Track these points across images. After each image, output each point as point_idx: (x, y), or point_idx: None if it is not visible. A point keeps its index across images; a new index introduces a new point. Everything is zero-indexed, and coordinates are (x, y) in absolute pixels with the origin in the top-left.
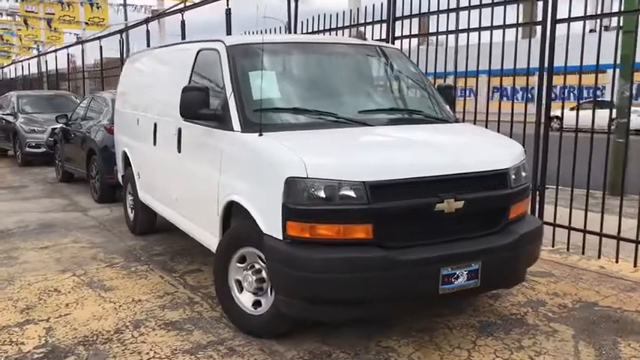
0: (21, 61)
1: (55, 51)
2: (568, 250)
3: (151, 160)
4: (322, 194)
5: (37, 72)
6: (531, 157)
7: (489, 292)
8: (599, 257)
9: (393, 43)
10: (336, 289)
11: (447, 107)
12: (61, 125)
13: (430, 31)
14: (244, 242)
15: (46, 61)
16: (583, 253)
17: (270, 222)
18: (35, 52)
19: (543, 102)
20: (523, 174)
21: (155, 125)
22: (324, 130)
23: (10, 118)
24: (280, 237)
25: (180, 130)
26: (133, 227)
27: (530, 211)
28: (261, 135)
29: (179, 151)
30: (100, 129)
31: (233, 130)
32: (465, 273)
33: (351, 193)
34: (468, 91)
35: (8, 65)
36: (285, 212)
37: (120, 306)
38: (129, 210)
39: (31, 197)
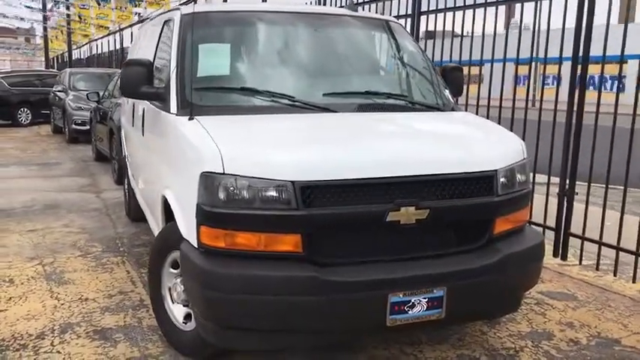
0: (95, 40)
1: (119, 30)
2: (597, 268)
3: (131, 142)
4: (242, 195)
5: (107, 51)
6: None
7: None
8: (633, 281)
9: (417, 39)
10: (251, 316)
11: (447, 92)
12: (94, 104)
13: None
14: (173, 245)
15: (114, 40)
16: (615, 275)
17: (188, 225)
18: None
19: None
20: (520, 177)
21: (133, 105)
22: (273, 115)
23: (62, 95)
24: (195, 244)
25: (144, 111)
26: (127, 213)
27: (556, 218)
28: (191, 119)
29: (142, 135)
30: (118, 107)
31: (170, 112)
32: (424, 301)
33: (276, 195)
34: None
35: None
36: (199, 215)
37: (62, 304)
38: (125, 194)
39: (57, 175)
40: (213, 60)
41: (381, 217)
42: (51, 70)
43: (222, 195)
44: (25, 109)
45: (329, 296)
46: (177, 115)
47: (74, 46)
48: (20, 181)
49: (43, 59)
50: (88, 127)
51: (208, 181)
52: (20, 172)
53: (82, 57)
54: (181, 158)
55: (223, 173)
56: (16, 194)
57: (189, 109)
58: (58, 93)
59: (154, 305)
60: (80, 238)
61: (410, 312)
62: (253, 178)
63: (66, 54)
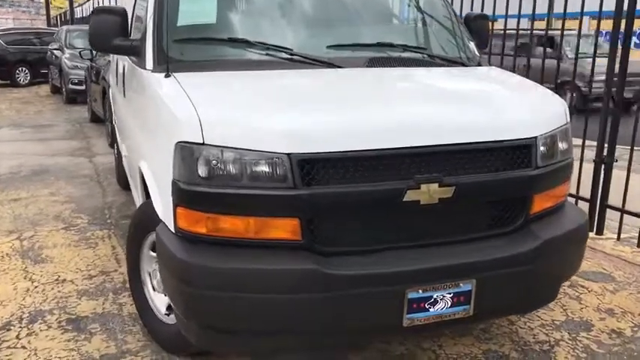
0: None
1: None
2: (639, 245)
3: (116, 103)
4: (227, 170)
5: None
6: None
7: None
8: None
9: None
10: (237, 317)
11: (472, 45)
12: (88, 62)
13: None
14: (151, 226)
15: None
16: None
17: (164, 205)
18: None
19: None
20: (562, 146)
21: (117, 62)
22: (266, 72)
23: (59, 53)
24: (172, 228)
25: (124, 69)
26: (118, 179)
27: (592, 188)
28: (167, 76)
29: (124, 95)
30: (109, 65)
31: (145, 68)
32: (449, 296)
33: (268, 171)
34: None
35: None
36: (176, 194)
37: (35, 287)
38: (116, 159)
39: (50, 138)
40: (197, 6)
41: (398, 196)
42: (50, 28)
43: (202, 170)
44: (24, 69)
45: (332, 293)
46: (152, 71)
47: (76, 4)
48: (10, 144)
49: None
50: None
51: (185, 152)
52: (12, 134)
53: (84, 15)
54: (155, 124)
55: (203, 143)
56: (5, 158)
57: (166, 64)
58: (54, 51)
59: (133, 292)
60: (66, 208)
61: (431, 310)
62: (240, 150)
63: (68, 12)
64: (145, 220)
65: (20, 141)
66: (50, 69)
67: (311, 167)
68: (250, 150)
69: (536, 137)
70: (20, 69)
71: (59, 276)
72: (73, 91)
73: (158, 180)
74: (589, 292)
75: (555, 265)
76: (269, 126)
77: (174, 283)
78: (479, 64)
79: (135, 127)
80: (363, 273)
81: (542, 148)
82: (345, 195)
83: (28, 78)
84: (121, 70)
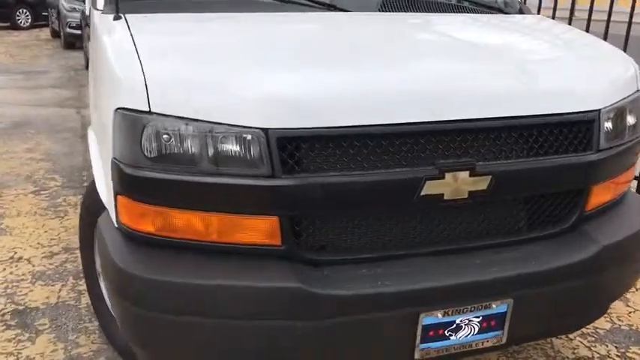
0: None
1: None
2: None
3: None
4: (182, 150)
5: None
6: None
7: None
8: None
9: None
10: (195, 349)
11: None
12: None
13: None
14: (100, 210)
15: None
16: None
17: (108, 190)
18: None
19: None
20: (630, 120)
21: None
22: (244, 15)
23: None
24: (115, 222)
25: (90, 10)
26: None
27: None
28: (117, 18)
29: (89, 41)
30: None
31: (97, 7)
32: (476, 321)
33: (238, 152)
34: None
35: None
36: (116, 178)
37: None
38: None
39: (39, 86)
40: None
41: (413, 189)
42: None
43: (148, 148)
44: (24, 11)
45: (322, 322)
46: (102, 12)
47: None
48: None
49: None
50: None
51: (125, 123)
52: (1, 81)
53: None
54: (100, 82)
55: (149, 112)
56: None
57: (115, 2)
58: None
59: (89, 286)
60: (40, 167)
61: (452, 337)
62: (199, 122)
63: None
64: (94, 202)
65: (8, 88)
66: (49, 11)
67: (295, 148)
68: (213, 123)
69: (599, 110)
70: (21, 11)
71: (16, 253)
72: (72, 35)
73: (102, 156)
74: (637, 290)
75: (616, 278)
76: (240, 91)
77: (113, 296)
78: (520, 11)
79: (90, 85)
80: (364, 293)
81: (606, 125)
82: (342, 187)
83: (29, 20)
84: (87, 12)
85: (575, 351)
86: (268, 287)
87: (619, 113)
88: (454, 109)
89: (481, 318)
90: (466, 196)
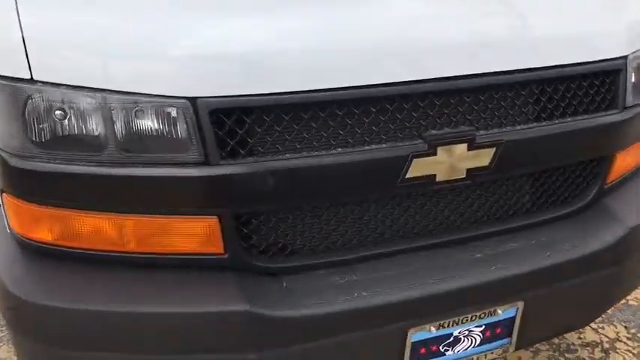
0: None
1: None
2: None
3: None
4: (82, 130)
5: None
6: None
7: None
8: None
9: None
10: None
11: None
12: None
13: None
14: None
15: None
16: None
17: None
18: None
19: None
20: None
21: None
22: None
23: None
24: (7, 228)
25: None
26: None
27: None
28: None
29: None
30: None
31: None
32: (478, 330)
33: (158, 131)
34: None
35: None
36: None
37: None
38: None
39: None
40: None
41: (396, 171)
42: None
43: (35, 129)
44: None
45: (281, 351)
46: None
47: None
48: None
49: None
50: None
51: (3, 96)
52: None
53: None
54: None
55: (31, 79)
56: None
57: None
58: None
59: None
60: None
61: (449, 353)
62: (104, 93)
63: None
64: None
65: None
66: None
67: (237, 124)
68: (122, 93)
69: (625, 58)
70: None
71: None
72: None
73: None
74: None
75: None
76: (155, 45)
77: (7, 323)
78: None
79: None
80: (336, 310)
81: (634, 76)
82: (302, 173)
83: None
84: None
85: (582, 335)
86: (204, 313)
87: None
88: (445, 64)
89: (484, 327)
90: (464, 175)
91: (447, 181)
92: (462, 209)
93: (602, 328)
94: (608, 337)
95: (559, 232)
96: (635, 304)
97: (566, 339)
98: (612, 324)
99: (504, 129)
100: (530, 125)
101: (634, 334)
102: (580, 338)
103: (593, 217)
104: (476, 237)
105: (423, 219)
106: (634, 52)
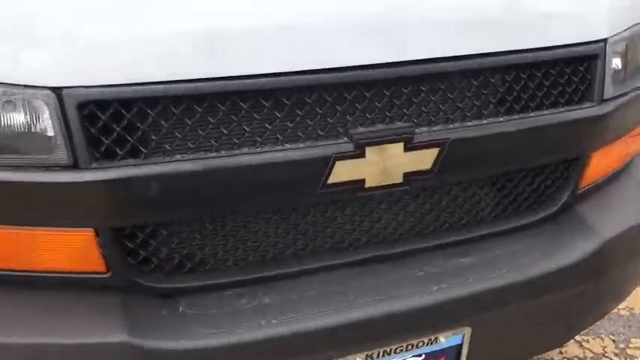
0: None
1: None
2: None
3: None
4: None
5: None
6: None
7: None
8: None
9: None
10: None
11: None
12: None
13: None
14: None
15: None
16: None
17: None
18: None
19: None
20: None
21: None
22: None
23: None
24: None
25: None
26: None
27: None
28: None
29: None
30: None
31: None
32: None
33: (17, 127)
34: None
35: None
36: None
37: None
38: None
39: None
40: None
41: (316, 175)
42: None
43: None
44: None
45: None
46: None
47: None
48: None
49: None
50: None
51: None
52: None
53: None
54: None
55: None
56: None
57: None
58: None
59: None
60: None
61: None
62: None
63: None
64: None
65: None
66: None
67: (113, 119)
68: None
69: (604, 41)
70: None
71: None
72: None
73: None
74: None
75: (619, 282)
76: (9, 21)
77: None
78: None
79: None
80: (230, 343)
81: (614, 62)
82: (198, 178)
83: None
84: None
85: (563, 350)
86: (70, 345)
87: (634, 45)
88: (374, 49)
89: (424, 357)
90: (400, 180)
91: (380, 187)
92: (402, 219)
93: (588, 341)
94: (593, 351)
95: (520, 245)
96: (627, 314)
97: (545, 354)
98: (599, 337)
99: (451, 126)
100: (484, 121)
101: (622, 349)
102: (561, 353)
103: (562, 228)
104: (419, 251)
105: (353, 230)
106: (617, 34)
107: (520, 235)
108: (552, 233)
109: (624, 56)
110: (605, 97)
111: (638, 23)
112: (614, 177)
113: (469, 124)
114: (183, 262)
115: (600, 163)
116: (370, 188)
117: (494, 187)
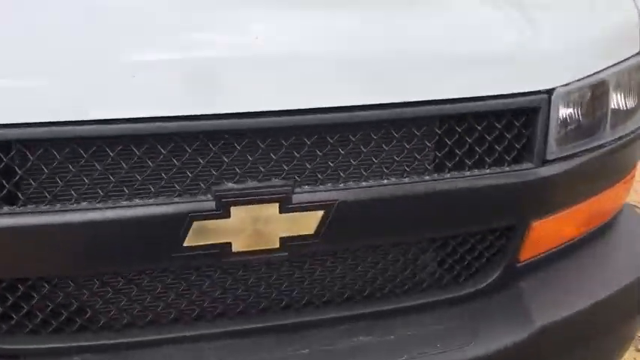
0: None
1: None
2: None
3: None
4: None
5: None
6: None
7: None
8: None
9: None
10: None
11: None
12: None
13: None
14: None
15: None
16: None
17: None
18: None
19: None
20: (621, 103)
21: None
22: None
23: None
24: None
25: None
26: None
27: None
28: None
29: None
30: None
31: None
32: None
33: None
34: None
35: None
36: None
37: None
38: None
39: None
40: None
41: (171, 237)
42: None
43: None
44: None
45: None
46: None
47: None
48: None
49: None
50: None
51: None
52: None
53: None
54: None
55: None
56: None
57: None
58: None
59: None
60: None
61: None
62: None
63: None
64: None
65: None
66: None
67: None
68: None
69: (549, 92)
70: None
71: None
72: None
73: None
74: None
75: None
76: None
77: None
78: None
79: None
80: None
81: (563, 116)
82: (30, 234)
83: None
84: None
85: None
86: None
87: (594, 94)
88: (246, 96)
89: None
90: (277, 246)
91: (252, 253)
92: (287, 286)
93: None
94: None
95: (437, 325)
96: None
97: None
98: None
99: (341, 185)
100: (383, 182)
101: None
102: None
103: (491, 308)
104: (311, 324)
105: (225, 297)
106: (569, 84)
107: (440, 313)
108: (477, 314)
109: (579, 109)
110: (547, 158)
111: (603, 69)
112: (573, 248)
113: (364, 184)
114: (23, 321)
115: (547, 233)
116: (239, 253)
117: (404, 255)
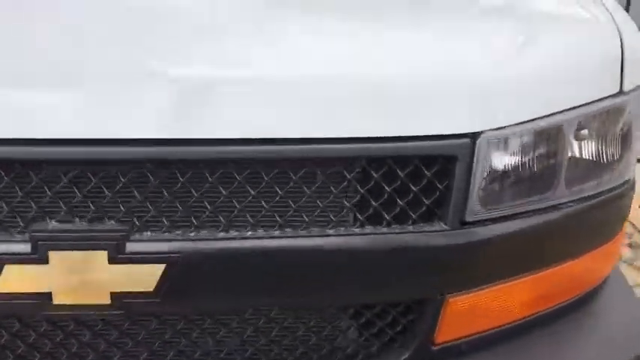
0: None
1: None
2: None
3: None
4: None
5: None
6: None
7: None
8: None
9: None
10: None
11: None
12: None
13: None
14: None
15: None
16: None
17: None
18: None
19: None
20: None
21: None
22: None
23: None
24: None
25: None
26: None
27: None
28: None
29: None
30: None
31: None
32: None
33: None
34: None
35: None
36: None
37: None
38: None
39: None
40: None
41: None
42: None
43: None
44: None
45: None
46: None
47: None
48: None
49: None
50: None
51: None
52: None
53: None
54: None
55: None
56: None
57: None
58: None
59: None
60: None
61: None
62: None
63: None
64: None
65: None
66: None
67: None
68: None
69: (473, 136)
70: None
71: None
72: None
73: None
74: None
75: None
76: None
77: None
78: None
79: None
80: None
81: (494, 167)
82: None
83: None
84: None
85: None
86: None
87: (542, 141)
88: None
89: None
90: (107, 301)
91: (78, 307)
92: (132, 349)
93: None
94: None
95: None
96: None
97: None
98: None
99: (189, 235)
100: (246, 233)
101: None
102: None
103: None
104: None
105: (56, 354)
106: (503, 128)
107: None
108: None
109: (519, 160)
110: (467, 219)
111: (560, 112)
112: (528, 330)
113: (220, 234)
114: None
115: (473, 312)
116: (62, 306)
117: (281, 326)
